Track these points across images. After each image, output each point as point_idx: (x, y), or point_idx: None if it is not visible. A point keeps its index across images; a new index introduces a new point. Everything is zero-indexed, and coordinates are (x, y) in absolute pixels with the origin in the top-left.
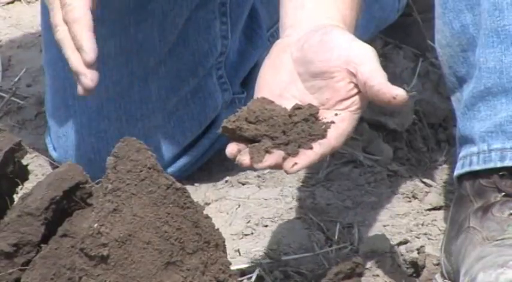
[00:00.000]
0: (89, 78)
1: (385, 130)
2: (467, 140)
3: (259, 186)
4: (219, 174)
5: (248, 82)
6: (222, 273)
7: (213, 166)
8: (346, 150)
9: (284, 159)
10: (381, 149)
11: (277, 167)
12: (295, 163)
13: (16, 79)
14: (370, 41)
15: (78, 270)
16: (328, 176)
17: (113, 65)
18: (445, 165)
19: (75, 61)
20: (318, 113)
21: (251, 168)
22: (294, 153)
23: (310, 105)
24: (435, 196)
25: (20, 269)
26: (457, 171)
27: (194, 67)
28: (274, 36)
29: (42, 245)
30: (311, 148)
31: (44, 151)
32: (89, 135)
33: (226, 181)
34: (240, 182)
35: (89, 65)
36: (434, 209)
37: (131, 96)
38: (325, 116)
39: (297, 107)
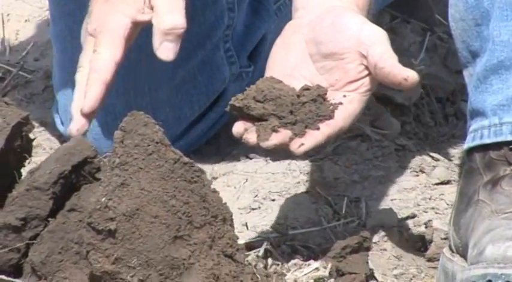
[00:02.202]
0: (75, 125)
1: (393, 104)
2: (479, 114)
3: (266, 161)
4: (226, 148)
5: (255, 56)
6: (229, 247)
7: (221, 140)
8: (353, 124)
9: (291, 139)
10: (388, 123)
11: (283, 146)
12: (302, 144)
13: (24, 53)
14: (378, 15)
15: (85, 244)
16: (336, 150)
17: None
18: (452, 140)
19: (75, 104)
20: (326, 94)
21: (257, 146)
22: (301, 134)
23: (319, 86)
24: (443, 170)
25: (28, 244)
26: (467, 144)
27: (201, 40)
28: (281, 9)
29: (50, 219)
30: (318, 129)
31: (51, 125)
32: None
33: (234, 155)
34: (247, 156)
35: (83, 114)
36: (442, 183)
37: (139, 69)
38: (333, 97)
39: (306, 88)
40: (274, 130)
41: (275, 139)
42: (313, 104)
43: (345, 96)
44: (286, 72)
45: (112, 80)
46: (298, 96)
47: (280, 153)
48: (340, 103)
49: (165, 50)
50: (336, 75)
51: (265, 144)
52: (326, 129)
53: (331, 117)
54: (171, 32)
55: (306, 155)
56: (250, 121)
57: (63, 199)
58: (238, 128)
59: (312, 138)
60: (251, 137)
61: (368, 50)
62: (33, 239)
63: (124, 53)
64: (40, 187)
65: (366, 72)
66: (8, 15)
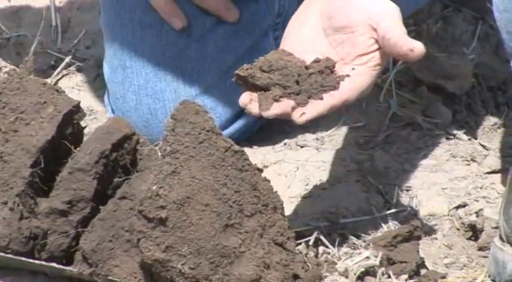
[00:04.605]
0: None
1: (444, 93)
2: None
3: (317, 149)
4: (277, 136)
5: None
6: (280, 235)
7: (272, 129)
8: (405, 113)
9: (293, 108)
10: (440, 112)
11: (285, 116)
12: (303, 113)
13: (75, 41)
14: (430, 4)
15: (136, 232)
16: (387, 139)
17: (169, 26)
18: (504, 129)
19: None
20: (334, 66)
21: (259, 116)
22: (303, 103)
23: (328, 59)
24: (494, 159)
25: (78, 230)
26: None
27: (251, 27)
28: None
29: (99, 207)
30: (321, 99)
31: (102, 113)
32: (146, 96)
33: (285, 144)
34: (298, 145)
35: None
36: (493, 172)
37: (188, 56)
38: (342, 70)
39: (316, 60)
40: (276, 99)
41: (276, 108)
42: (319, 75)
43: (353, 69)
44: (299, 46)
45: None
46: (307, 68)
47: (332, 142)
48: (347, 75)
49: None
50: (347, 49)
51: (266, 113)
52: (330, 99)
53: (335, 88)
54: None
55: (358, 144)
56: (256, 92)
57: (107, 180)
58: (243, 98)
59: (314, 108)
60: (253, 107)
61: (378, 22)
62: (82, 222)
63: None
64: (82, 168)
65: (376, 46)
66: (60, 2)
